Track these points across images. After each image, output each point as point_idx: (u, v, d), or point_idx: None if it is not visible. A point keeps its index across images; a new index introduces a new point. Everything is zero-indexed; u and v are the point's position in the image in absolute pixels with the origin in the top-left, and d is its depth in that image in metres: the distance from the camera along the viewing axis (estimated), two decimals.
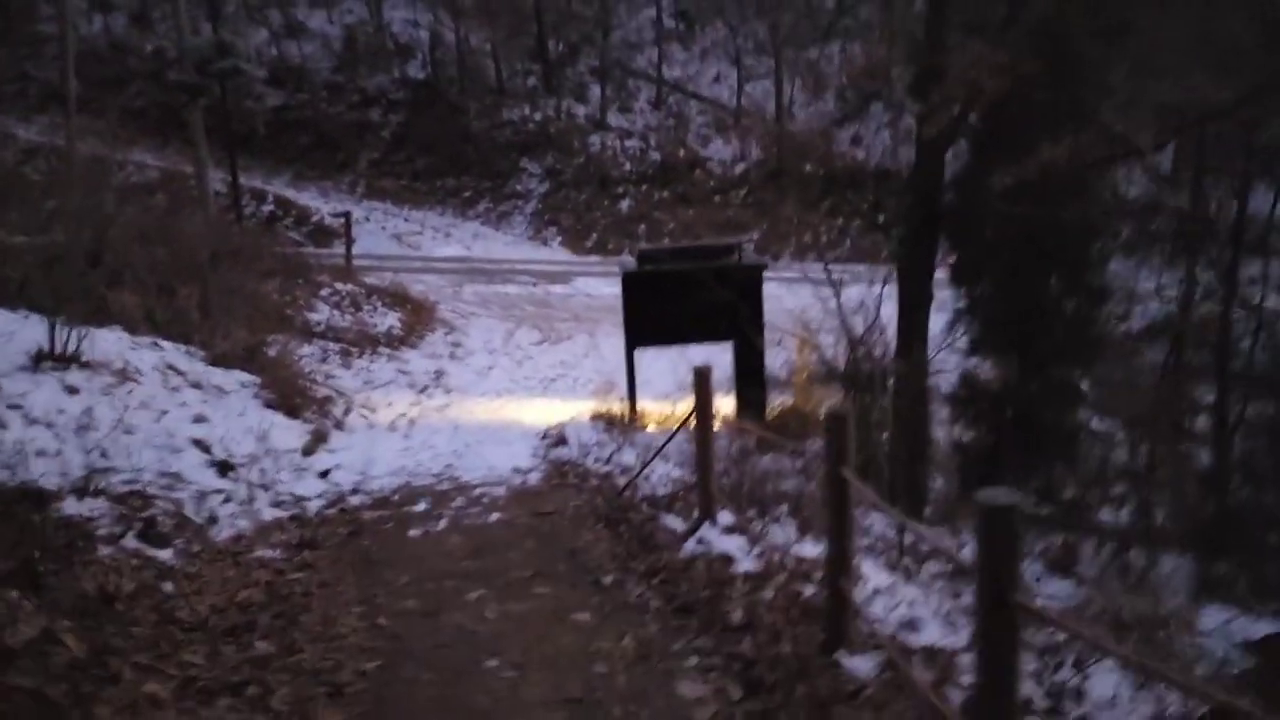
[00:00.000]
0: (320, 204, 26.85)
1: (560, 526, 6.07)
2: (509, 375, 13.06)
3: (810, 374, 10.87)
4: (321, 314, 14.03)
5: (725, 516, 5.41)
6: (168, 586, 4.50)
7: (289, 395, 8.58)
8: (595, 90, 31.42)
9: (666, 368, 14.06)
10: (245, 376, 8.54)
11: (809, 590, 4.24)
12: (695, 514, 5.57)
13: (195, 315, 9.93)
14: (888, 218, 31.67)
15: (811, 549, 4.71)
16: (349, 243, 18.47)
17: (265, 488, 6.30)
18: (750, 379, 9.90)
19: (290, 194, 27.30)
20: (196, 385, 7.58)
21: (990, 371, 8.80)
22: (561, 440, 8.26)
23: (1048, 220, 8.38)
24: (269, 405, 8.09)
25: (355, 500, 6.68)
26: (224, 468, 6.23)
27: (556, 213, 28.68)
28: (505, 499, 6.76)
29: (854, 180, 31.11)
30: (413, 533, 6.01)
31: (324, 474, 7.13)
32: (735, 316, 9.81)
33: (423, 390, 11.62)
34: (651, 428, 9.82)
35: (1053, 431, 8.75)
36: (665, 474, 6.68)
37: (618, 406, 10.27)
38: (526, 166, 29.67)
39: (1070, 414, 8.74)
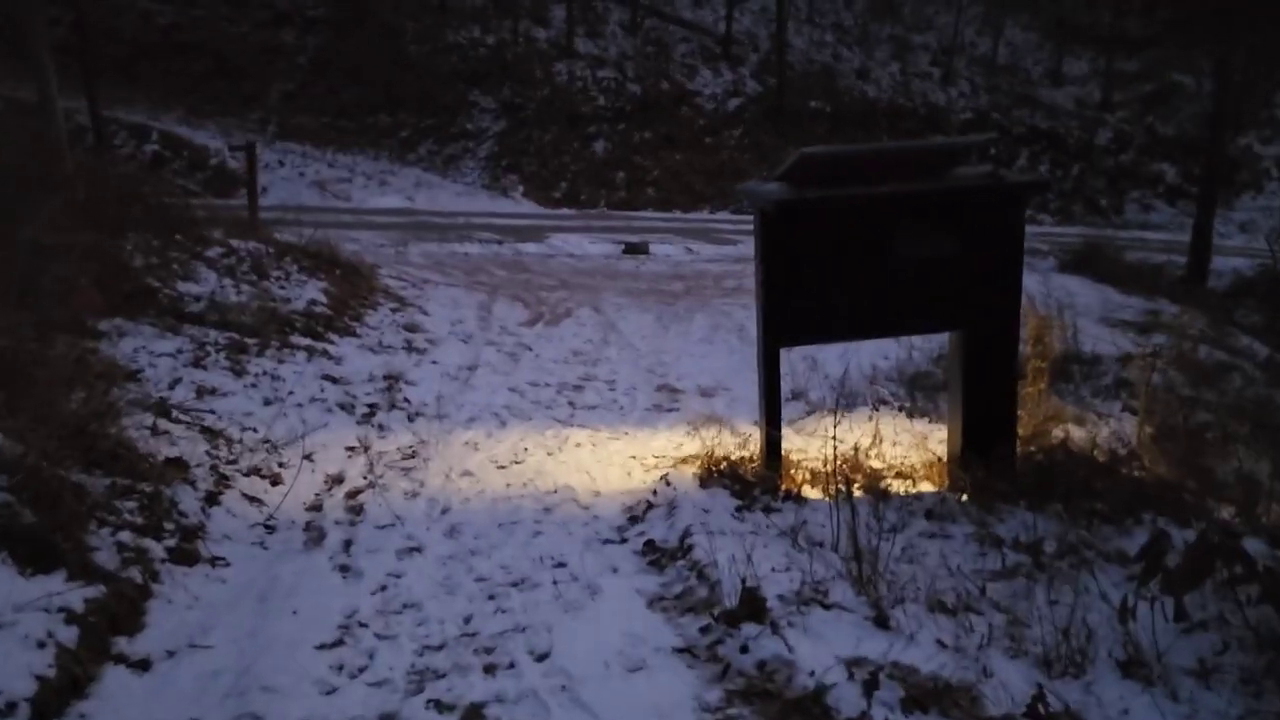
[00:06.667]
0: (220, 144, 21.48)
1: None
2: (505, 378, 8.24)
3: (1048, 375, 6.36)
4: (204, 284, 9.05)
5: None
6: None
7: (47, 500, 3.46)
8: (559, 11, 26.27)
9: (726, 358, 9.43)
10: None
11: None
12: None
13: None
14: None
15: None
16: (253, 184, 13.37)
17: None
18: (994, 396, 5.30)
19: (182, 132, 21.84)
20: None
21: None
22: (751, 611, 3.24)
23: None
24: None
25: None
26: None
27: (517, 157, 23.65)
28: None
29: (864, 120, 26.71)
30: None
31: None
32: (976, 284, 5.19)
33: (369, 417, 6.73)
34: (808, 491, 5.17)
35: None
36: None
37: (732, 445, 5.61)
38: (478, 100, 24.50)
39: None
